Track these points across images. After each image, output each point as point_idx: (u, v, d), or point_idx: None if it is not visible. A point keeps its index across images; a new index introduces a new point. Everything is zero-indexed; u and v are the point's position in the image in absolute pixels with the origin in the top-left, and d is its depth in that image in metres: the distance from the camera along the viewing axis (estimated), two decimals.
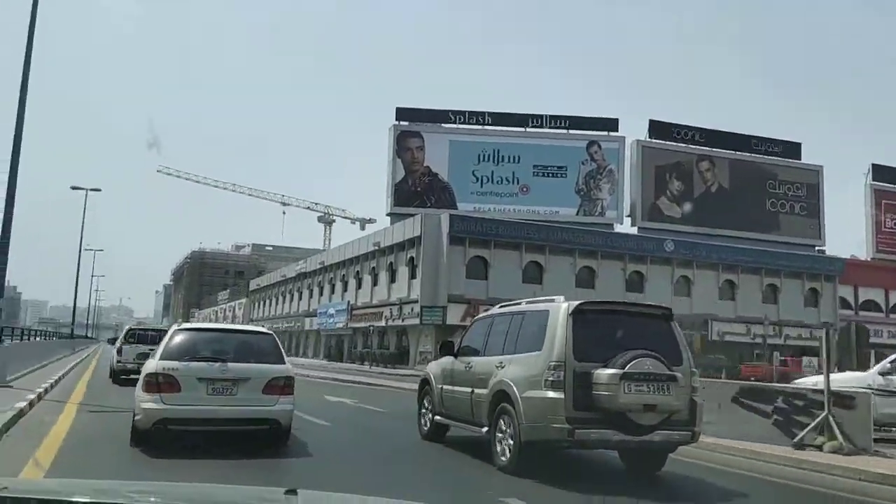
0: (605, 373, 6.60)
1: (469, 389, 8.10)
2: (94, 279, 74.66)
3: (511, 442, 7.05)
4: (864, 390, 9.49)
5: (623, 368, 6.57)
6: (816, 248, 53.99)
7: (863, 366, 12.78)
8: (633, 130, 52.89)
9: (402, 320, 41.83)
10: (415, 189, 50.25)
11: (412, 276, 41.99)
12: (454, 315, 37.80)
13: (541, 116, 51.59)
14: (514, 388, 7.08)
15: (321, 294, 56.46)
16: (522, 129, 51.38)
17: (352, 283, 50.40)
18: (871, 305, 52.06)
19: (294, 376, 8.00)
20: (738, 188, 52.78)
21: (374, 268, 47.11)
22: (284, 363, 8.01)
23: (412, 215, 43.50)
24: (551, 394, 6.70)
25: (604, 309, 7.62)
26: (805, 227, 54.33)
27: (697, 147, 53.19)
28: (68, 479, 4.67)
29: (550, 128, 51.48)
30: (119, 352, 18.35)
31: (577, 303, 7.14)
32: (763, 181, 53.89)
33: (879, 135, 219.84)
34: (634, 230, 50.24)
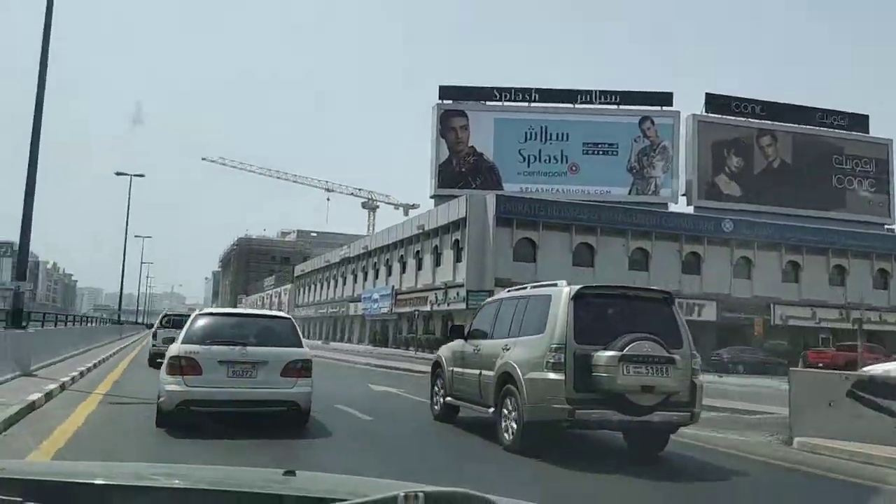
0: (604, 355, 6.77)
1: (477, 371, 8.36)
2: (143, 266, 76.00)
3: (515, 422, 7.28)
4: None
5: (622, 351, 6.73)
6: (886, 226, 50.72)
7: None
8: (689, 104, 50.39)
9: (448, 305, 40.58)
10: (459, 170, 48.76)
11: (457, 259, 40.69)
12: None
13: (590, 92, 49.42)
14: (518, 370, 7.29)
15: (365, 279, 55.71)
16: (571, 106, 49.29)
17: (396, 267, 49.42)
18: None
19: (311, 359, 8.13)
20: (802, 164, 49.77)
21: (418, 251, 45.99)
22: (302, 346, 8.19)
23: (457, 197, 42.08)
24: (552, 375, 6.92)
25: (604, 293, 7.74)
26: (874, 204, 51.03)
27: (758, 121, 50.31)
28: (61, 462, 4.64)
29: (600, 103, 49.26)
30: (154, 336, 18.81)
31: (578, 287, 7.33)
32: (829, 156, 50.74)
33: None
34: (690, 209, 47.84)
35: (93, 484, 1.09)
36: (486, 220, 39.02)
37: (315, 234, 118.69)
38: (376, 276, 53.29)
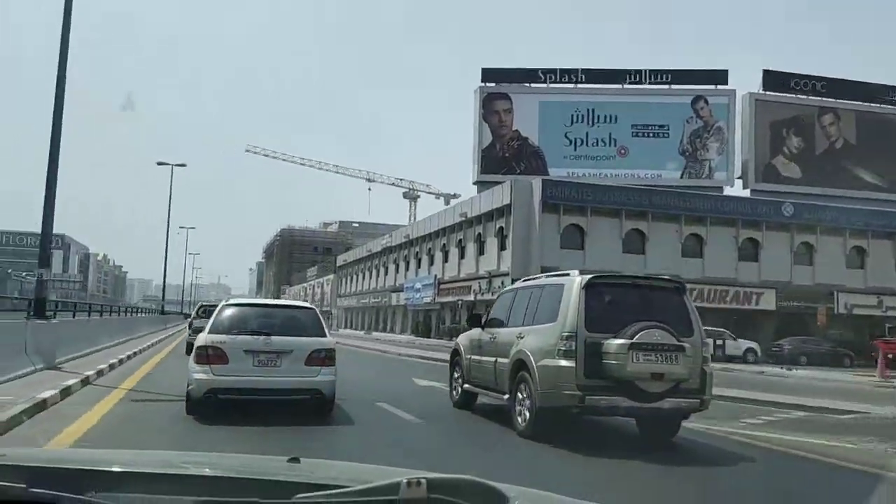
0: (614, 343, 6.91)
1: (493, 359, 8.55)
2: (188, 256, 76.77)
3: (528, 408, 7.44)
4: None
5: (632, 339, 6.86)
6: None
7: None
8: (745, 83, 47.88)
9: (492, 294, 39.20)
10: (503, 155, 47.35)
11: (502, 247, 39.38)
12: None
13: (639, 71, 47.41)
14: (531, 358, 7.46)
15: (407, 268, 54.85)
16: (619, 86, 47.39)
17: (438, 256, 48.37)
18: None
19: (335, 348, 8.26)
20: (867, 143, 46.92)
21: (460, 240, 44.81)
22: (325, 336, 8.34)
23: (500, 183, 40.70)
24: (563, 362, 7.06)
25: (615, 282, 7.97)
26: None
27: (818, 98, 47.62)
28: (64, 449, 4.62)
29: (650, 83, 47.22)
30: (190, 325, 19.37)
31: (589, 276, 7.45)
32: (895, 135, 47.73)
33: None
34: (747, 193, 45.58)
35: (95, 470, 1.10)
36: (532, 206, 37.60)
37: (356, 225, 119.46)
38: (418, 266, 52.39)
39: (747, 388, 15.20)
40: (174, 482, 1.10)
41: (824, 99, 47.66)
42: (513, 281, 36.76)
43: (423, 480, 0.91)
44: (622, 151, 46.78)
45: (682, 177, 46.25)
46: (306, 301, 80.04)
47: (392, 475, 1.04)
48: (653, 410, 7.19)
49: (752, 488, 6.13)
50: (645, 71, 47.48)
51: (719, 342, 32.45)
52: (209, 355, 7.80)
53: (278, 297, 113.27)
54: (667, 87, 47.32)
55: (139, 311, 43.15)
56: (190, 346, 17.02)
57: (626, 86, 47.36)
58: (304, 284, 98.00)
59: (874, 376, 21.99)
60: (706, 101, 46.87)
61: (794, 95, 47.56)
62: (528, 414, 7.48)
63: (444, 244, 47.57)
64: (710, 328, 34.09)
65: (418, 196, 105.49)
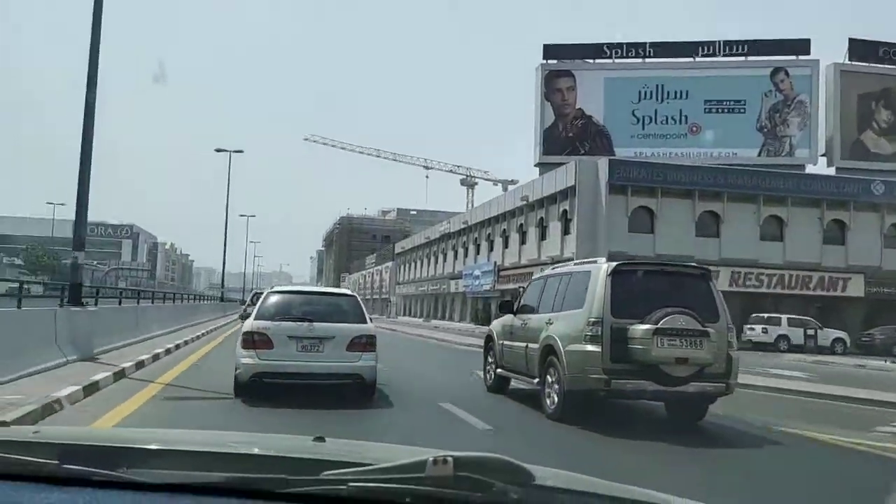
0: (639, 328, 7.13)
1: (524, 344, 8.77)
2: (249, 245, 77.64)
3: (557, 391, 7.66)
4: None
5: (656, 324, 7.08)
6: None
7: None
8: (829, 53, 44.36)
9: None
10: (566, 135, 45.21)
11: (565, 231, 37.54)
12: None
13: (713, 43, 44.39)
14: (559, 343, 7.70)
15: (466, 255, 53.50)
16: (691, 60, 44.47)
17: (498, 242, 46.81)
18: None
19: (375, 335, 8.50)
20: None
21: (521, 224, 43.13)
22: (366, 322, 8.57)
23: (564, 164, 38.76)
24: (590, 347, 7.31)
25: (641, 269, 8.13)
26: None
27: None
28: (95, 428, 4.54)
29: (725, 55, 44.14)
30: (244, 312, 19.52)
31: (615, 263, 7.66)
32: None
33: None
34: (832, 171, 42.22)
35: (126, 448, 1.12)
36: (598, 187, 35.61)
37: (414, 212, 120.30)
38: (477, 252, 50.98)
39: (856, 386, 13.31)
40: (203, 459, 1.11)
41: None
42: None
43: (450, 458, 0.90)
44: (694, 129, 44.02)
45: (759, 155, 43.21)
46: (366, 289, 79.99)
47: (417, 454, 1.03)
48: (678, 394, 7.38)
49: (781, 474, 5.97)
50: (718, 42, 44.47)
51: (810, 332, 30.04)
52: (255, 341, 8.09)
53: (338, 285, 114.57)
54: (743, 59, 44.22)
55: (197, 298, 43.18)
56: None
57: (698, 59, 44.44)
58: (363, 272, 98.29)
59: None
60: (786, 74, 43.62)
61: (883, 66, 43.78)
62: (556, 397, 7.72)
63: (503, 229, 45.99)
64: (793, 316, 31.98)
65: (476, 183, 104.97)
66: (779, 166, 41.06)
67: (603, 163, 36.15)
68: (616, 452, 6.36)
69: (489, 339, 10.46)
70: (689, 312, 7.19)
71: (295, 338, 8.11)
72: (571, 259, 35.66)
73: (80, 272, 11.09)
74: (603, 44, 45.98)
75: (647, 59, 45.13)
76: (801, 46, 43.85)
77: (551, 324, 8.12)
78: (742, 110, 43.64)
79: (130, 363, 10.72)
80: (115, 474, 0.96)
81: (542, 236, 40.28)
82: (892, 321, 33.13)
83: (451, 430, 7.12)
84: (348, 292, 10.12)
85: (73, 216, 11.30)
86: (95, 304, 13.41)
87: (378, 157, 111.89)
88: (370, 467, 1.00)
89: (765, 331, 30.86)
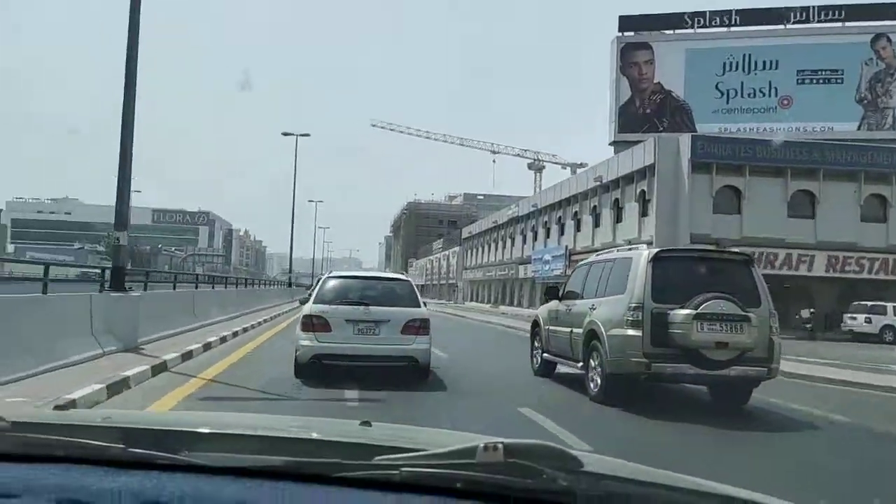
0: (679, 313, 7.29)
1: (569, 329, 9.00)
2: (318, 230, 77.97)
3: (599, 375, 7.91)
4: None
5: (696, 309, 7.24)
6: None
7: None
8: None
9: None
10: (643, 111, 42.66)
11: (643, 213, 35.33)
12: None
13: (806, 8, 40.75)
14: (601, 327, 7.93)
15: (535, 239, 51.66)
16: (782, 27, 41.04)
17: (569, 225, 44.80)
18: None
19: (429, 319, 8.82)
20: None
21: (595, 207, 41.02)
22: (420, 307, 8.88)
23: (641, 142, 36.44)
24: (630, 332, 7.49)
25: (682, 256, 8.84)
26: None
27: None
28: (164, 412, 4.88)
29: (820, 21, 40.51)
30: (309, 297, 17.58)
31: (656, 250, 7.98)
32: None
33: None
34: None
35: (187, 431, 1.16)
36: (680, 165, 33.20)
37: (481, 197, 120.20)
38: (547, 236, 49.06)
39: None
40: (259, 442, 1.13)
41: None
42: None
43: (500, 445, 0.92)
44: (785, 102, 40.70)
45: (859, 128, 39.58)
46: (432, 275, 79.40)
47: (466, 440, 1.05)
48: (719, 378, 7.51)
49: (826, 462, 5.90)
50: (813, 7, 40.84)
51: None
52: (314, 324, 8.41)
53: (405, 271, 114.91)
54: (840, 24, 40.50)
55: (265, 283, 43.08)
56: None
57: (789, 26, 41.00)
58: (430, 257, 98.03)
59: None
60: (889, 40, 39.69)
61: None
62: (599, 380, 7.90)
63: (575, 212, 43.97)
64: None
65: (543, 167, 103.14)
66: (881, 141, 37.49)
67: (685, 139, 33.69)
68: (658, 435, 6.49)
69: (535, 324, 10.70)
70: (730, 297, 7.32)
71: (352, 321, 8.41)
72: (650, 242, 33.70)
73: (122, 254, 10.16)
74: (684, 13, 42.97)
75: (733, 28, 41.93)
76: None
77: (594, 309, 8.32)
78: (839, 80, 40.01)
79: (175, 354, 9.78)
80: (177, 457, 0.97)
81: (618, 218, 38.15)
82: None
83: (496, 414, 7.22)
84: (403, 277, 10.44)
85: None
86: (145, 288, 12.59)
87: (445, 141, 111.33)
88: (421, 453, 1.00)
89: (868, 320, 28.18)
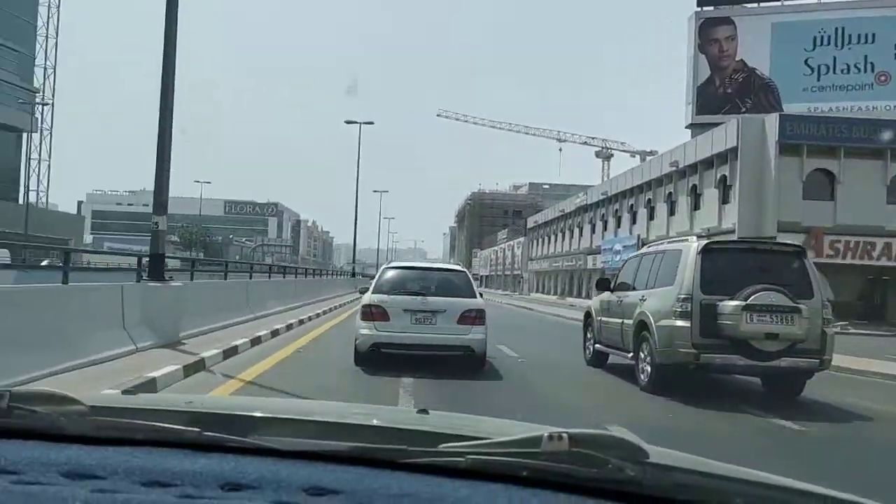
0: (728, 304, 7.36)
1: (620, 321, 9.14)
2: (383, 221, 77.67)
3: (649, 365, 8.00)
4: None
5: (746, 300, 7.29)
6: None
7: None
8: None
9: None
10: (724, 91, 40.07)
11: (724, 199, 33.03)
12: None
13: None
14: (651, 318, 8.03)
15: (605, 228, 49.61)
16: None
17: (641, 213, 42.65)
18: None
19: (485, 309, 8.95)
20: None
21: (670, 193, 38.77)
22: (476, 297, 9.11)
23: (721, 124, 34.04)
24: (679, 322, 7.59)
25: (733, 247, 9.02)
26: None
27: None
28: (237, 397, 5.05)
29: None
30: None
31: (705, 241, 8.05)
32: None
33: None
34: None
35: (258, 416, 1.18)
36: (766, 148, 30.75)
37: (547, 186, 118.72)
38: (618, 225, 46.99)
39: None
40: (325, 428, 1.17)
41: None
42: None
43: (565, 434, 0.92)
44: (882, 78, 37.38)
45: None
46: (497, 265, 78.10)
47: (526, 429, 1.07)
48: (770, 369, 7.55)
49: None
50: None
51: None
52: (373, 313, 8.61)
53: (469, 261, 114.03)
54: None
55: (328, 273, 42.80)
56: None
57: None
58: (494, 248, 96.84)
59: None
60: None
61: None
62: (649, 370, 7.97)
63: (648, 199, 41.80)
64: None
65: (611, 155, 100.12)
66: None
67: (771, 119, 31.18)
68: (710, 425, 6.51)
69: (588, 315, 10.84)
70: (780, 289, 7.36)
71: (409, 311, 8.60)
72: (732, 231, 31.46)
73: (161, 240, 9.29)
74: None
75: None
76: None
77: (645, 300, 8.41)
78: None
79: (216, 351, 8.88)
80: (250, 441, 0.99)
81: (695, 206, 35.89)
82: None
83: (544, 403, 7.35)
84: (459, 268, 10.60)
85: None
86: (191, 278, 11.79)
87: (510, 130, 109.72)
88: (486, 441, 1.01)
89: None
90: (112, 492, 0.81)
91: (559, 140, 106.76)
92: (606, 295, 10.04)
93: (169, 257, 11.23)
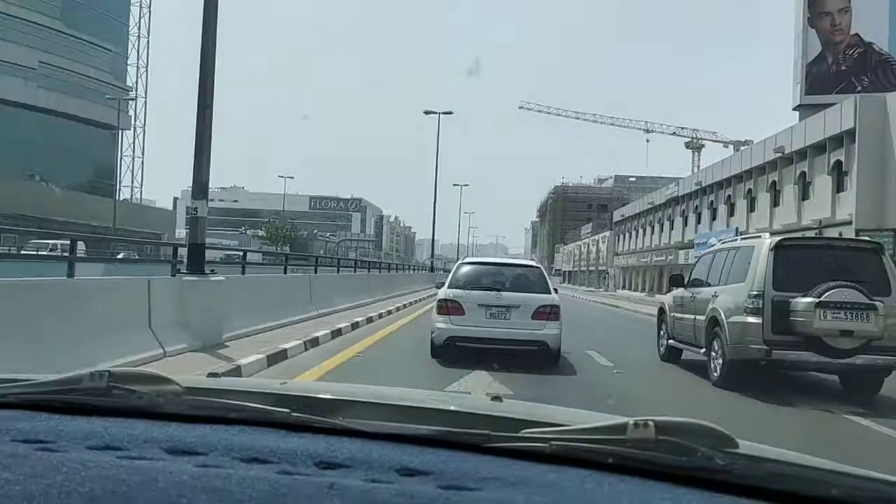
0: (801, 301, 7.32)
1: (692, 317, 9.21)
2: (463, 215, 76.64)
3: (720, 361, 8.07)
4: None
5: (819, 297, 7.22)
6: None
7: None
8: None
9: None
10: (836, 69, 36.40)
11: (838, 188, 29.87)
12: None
13: None
14: (723, 315, 8.08)
15: (698, 221, 46.54)
16: None
17: (740, 204, 39.56)
18: None
19: (559, 305, 9.03)
20: None
21: (773, 182, 35.63)
22: (551, 293, 9.16)
23: (834, 104, 30.75)
24: (750, 319, 7.61)
25: (806, 244, 9.17)
26: None
27: None
28: (324, 383, 4.86)
29: None
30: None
31: (778, 238, 8.16)
32: None
33: None
34: None
35: (345, 399, 1.21)
36: (888, 130, 27.42)
37: (633, 179, 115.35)
38: (713, 217, 43.92)
39: None
40: (408, 412, 1.18)
41: None
42: (857, 233, 27.91)
43: (651, 422, 0.92)
44: None
45: None
46: (580, 261, 75.67)
47: (604, 418, 1.07)
48: (845, 366, 7.49)
49: None
50: None
51: None
52: (448, 307, 8.87)
53: (552, 257, 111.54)
54: None
55: (406, 267, 42.03)
56: None
57: None
58: (578, 243, 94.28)
59: None
60: None
61: None
62: (720, 366, 8.07)
63: (749, 189, 38.66)
64: None
65: (703, 145, 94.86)
66: None
67: (893, 98, 27.81)
68: (784, 421, 6.51)
69: (661, 311, 10.98)
70: (855, 286, 7.30)
71: (484, 305, 8.74)
72: (849, 222, 28.32)
73: (201, 228, 8.17)
74: None
75: None
76: None
77: (717, 297, 8.47)
78: None
79: (259, 356, 7.69)
80: (338, 422, 1.02)
81: (804, 195, 32.75)
82: None
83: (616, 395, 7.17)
84: (533, 264, 10.99)
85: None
86: (242, 271, 10.72)
87: (595, 122, 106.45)
88: (569, 427, 1.02)
89: None
90: (215, 467, 0.84)
91: (646, 131, 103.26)
92: (680, 291, 10.16)
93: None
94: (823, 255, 8.06)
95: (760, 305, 7.52)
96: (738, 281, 8.13)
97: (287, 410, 1.03)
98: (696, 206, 47.31)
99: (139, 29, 62.89)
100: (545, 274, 9.78)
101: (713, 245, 37.13)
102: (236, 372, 6.79)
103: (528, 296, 8.88)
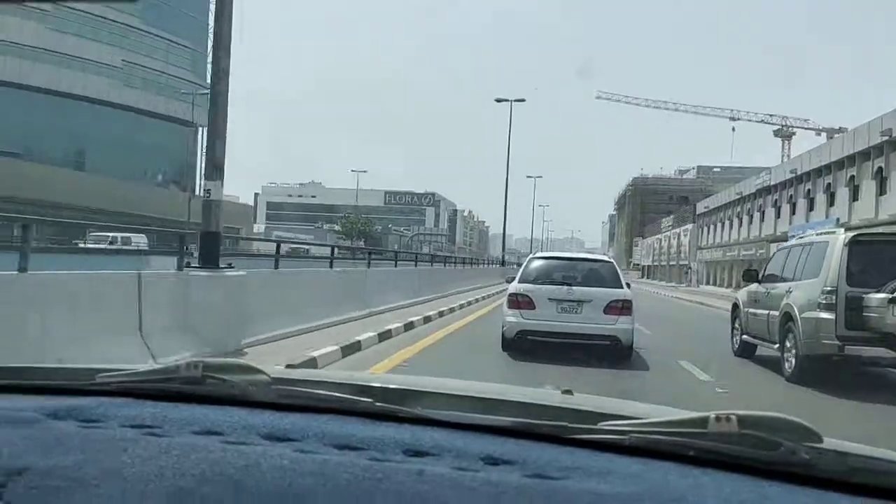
0: (875, 297, 7.30)
1: (766, 312, 9.18)
2: (537, 208, 74.71)
3: (794, 356, 8.09)
4: None
5: (893, 293, 7.15)
6: None
7: None
8: None
9: None
10: None
11: None
12: None
13: None
14: (796, 310, 8.10)
15: (793, 212, 43.22)
16: None
17: (841, 193, 36.34)
18: None
19: (632, 300, 9.06)
20: None
21: (880, 168, 32.49)
22: (622, 288, 9.16)
23: None
24: (823, 314, 7.63)
25: (883, 239, 8.80)
26: None
27: None
28: (395, 375, 5.07)
29: None
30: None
31: (852, 234, 8.07)
32: None
33: None
34: None
35: (423, 391, 1.22)
36: None
37: (717, 170, 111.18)
38: (810, 208, 40.67)
39: None
40: (484, 403, 1.18)
41: None
42: None
43: (733, 416, 0.92)
44: None
45: None
46: (661, 255, 72.41)
47: (678, 413, 1.07)
48: None
49: None
50: None
51: None
52: (519, 301, 8.93)
53: (630, 251, 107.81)
54: None
55: (477, 262, 40.85)
56: None
57: None
58: (658, 236, 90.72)
59: None
60: None
61: None
62: (793, 362, 8.10)
63: (851, 177, 35.42)
64: None
65: (793, 133, 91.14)
66: None
67: None
68: (859, 417, 6.49)
69: (735, 306, 10.95)
70: None
71: (555, 300, 8.82)
72: None
73: (215, 214, 7.03)
74: None
75: None
76: None
77: (791, 292, 8.47)
78: None
79: (279, 367, 6.46)
80: (418, 412, 1.04)
81: None
82: None
83: (691, 389, 7.42)
84: (605, 258, 10.84)
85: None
86: (276, 265, 9.56)
87: (676, 110, 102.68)
88: (649, 420, 1.01)
89: None
90: (311, 452, 0.87)
91: (732, 119, 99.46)
92: (754, 286, 10.13)
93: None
94: None
95: (834, 301, 7.53)
96: (812, 276, 8.15)
97: (370, 400, 1.05)
98: (791, 196, 43.99)
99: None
100: (617, 268, 9.75)
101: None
102: None
103: (600, 290, 8.89)
